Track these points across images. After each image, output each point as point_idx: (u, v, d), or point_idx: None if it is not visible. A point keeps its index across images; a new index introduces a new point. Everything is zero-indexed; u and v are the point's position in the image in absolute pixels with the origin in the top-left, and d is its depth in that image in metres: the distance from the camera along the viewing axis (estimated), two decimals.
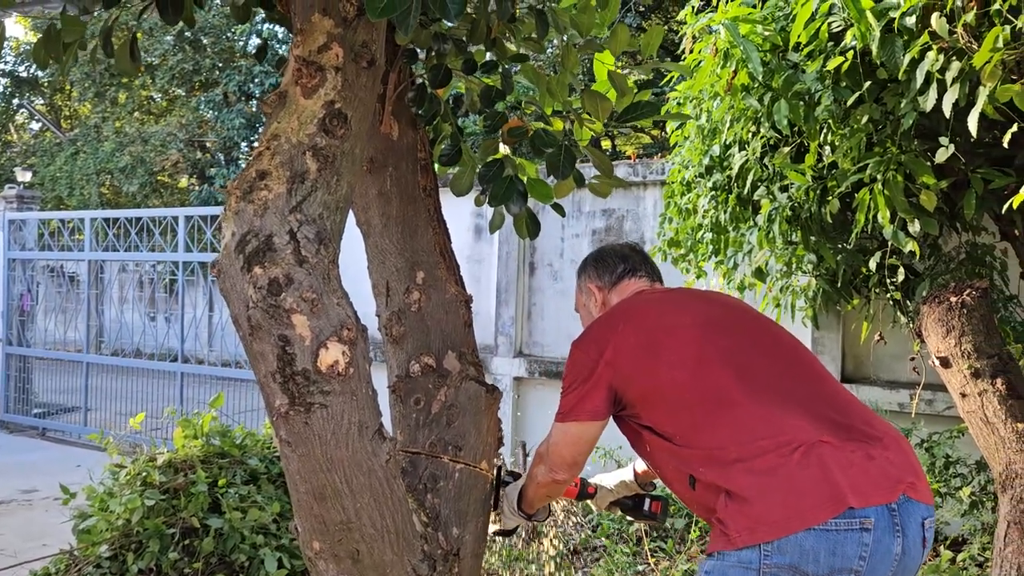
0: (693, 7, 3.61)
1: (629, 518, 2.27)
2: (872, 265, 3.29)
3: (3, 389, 8.47)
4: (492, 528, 2.06)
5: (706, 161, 3.75)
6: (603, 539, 4.06)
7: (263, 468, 3.61)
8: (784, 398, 1.64)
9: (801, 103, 3.13)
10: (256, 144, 1.98)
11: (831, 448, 1.54)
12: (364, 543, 1.60)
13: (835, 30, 2.97)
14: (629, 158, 5.71)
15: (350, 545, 1.60)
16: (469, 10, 2.01)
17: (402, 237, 2.05)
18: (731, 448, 1.58)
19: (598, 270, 2.04)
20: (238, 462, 3.58)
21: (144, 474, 3.41)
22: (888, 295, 3.72)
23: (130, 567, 3.20)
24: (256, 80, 12.98)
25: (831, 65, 2.91)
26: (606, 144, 12.72)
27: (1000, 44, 2.31)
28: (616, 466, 4.49)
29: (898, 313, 3.90)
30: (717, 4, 3.35)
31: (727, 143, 3.60)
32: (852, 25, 2.78)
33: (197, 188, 14.16)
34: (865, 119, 3.02)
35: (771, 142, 3.46)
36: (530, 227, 2.16)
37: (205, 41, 13.86)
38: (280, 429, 1.54)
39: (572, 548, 3.97)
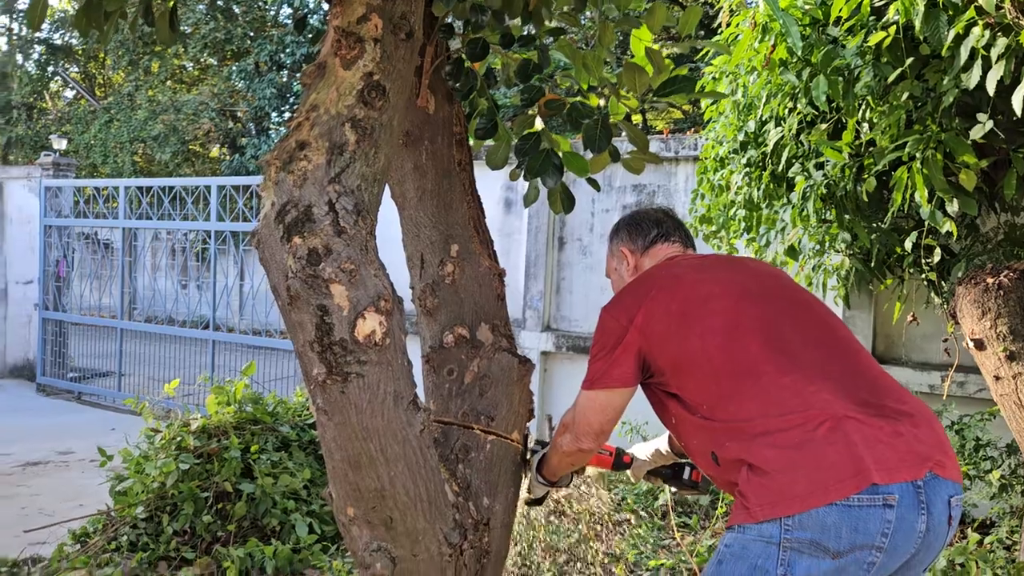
0: None
1: (671, 488, 2.23)
2: (907, 245, 3.25)
3: (40, 353, 8.66)
4: (522, 497, 2.07)
5: (741, 137, 3.71)
6: (628, 514, 4.08)
7: (294, 435, 3.67)
8: (814, 371, 1.61)
9: (840, 79, 3.08)
10: (288, 115, 1.99)
11: (858, 423, 1.52)
12: (397, 510, 1.63)
13: (877, 4, 2.91)
14: (661, 133, 5.65)
15: (383, 512, 1.63)
16: None
17: (436, 210, 2.06)
18: (757, 421, 1.57)
19: (631, 234, 2.02)
20: (270, 429, 3.65)
21: (179, 439, 3.48)
22: (923, 275, 3.67)
23: (165, 528, 3.28)
24: (287, 50, 12.99)
25: (872, 40, 2.85)
26: (637, 119, 12.59)
27: None
28: (642, 441, 4.52)
29: (932, 294, 3.85)
30: None
31: (763, 119, 3.55)
32: (895, 0, 2.72)
33: (228, 158, 14.26)
34: (905, 96, 2.96)
35: (808, 118, 3.41)
36: (564, 202, 2.16)
37: (237, 10, 13.89)
38: (317, 397, 1.57)
39: (597, 521, 4.00)
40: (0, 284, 9.30)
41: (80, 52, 16.46)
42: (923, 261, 3.38)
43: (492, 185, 6.10)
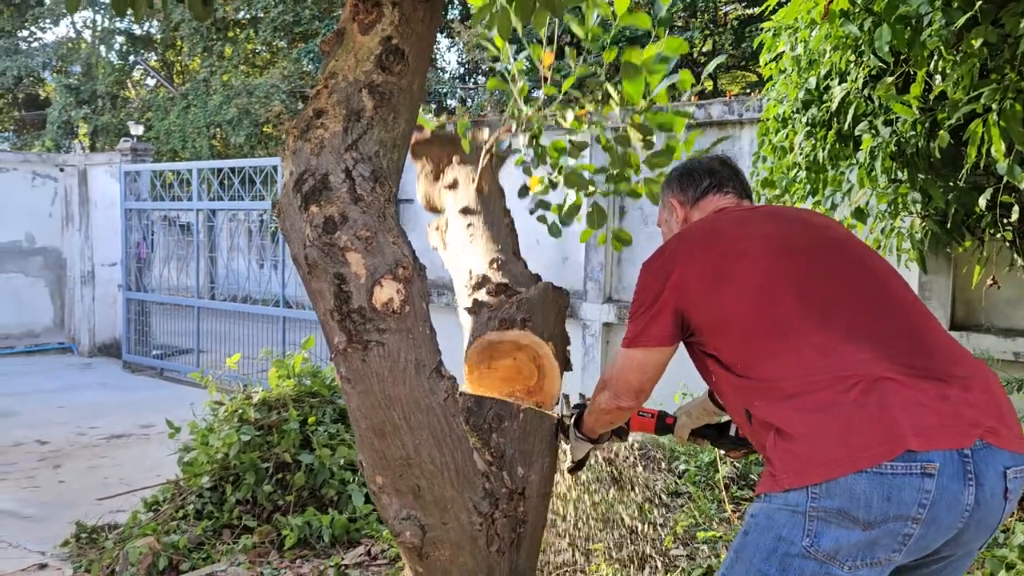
0: None
1: (721, 452, 2.14)
2: (983, 203, 3.05)
3: (125, 332, 9.05)
4: (563, 464, 2.02)
5: (802, 95, 3.53)
6: (689, 485, 4.01)
7: None
8: (854, 330, 1.51)
9: (907, 27, 2.89)
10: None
11: (897, 385, 1.41)
12: (424, 479, 1.62)
13: None
14: (727, 95, 5.47)
15: (411, 480, 1.62)
16: None
17: None
18: (787, 382, 1.49)
19: (682, 184, 1.93)
20: (328, 401, 3.70)
21: (240, 411, 3.57)
22: (1001, 235, 3.44)
23: (228, 497, 3.38)
24: None
25: None
26: (708, 84, 12.25)
27: None
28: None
29: (1015, 255, 3.61)
30: None
31: (825, 75, 3.38)
32: None
33: None
34: (979, 43, 2.76)
35: (873, 72, 3.22)
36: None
37: None
38: (340, 366, 1.56)
39: (656, 493, 3.94)
40: (87, 267, 9.74)
41: (158, 41, 17.00)
42: (1003, 220, 3.17)
43: None
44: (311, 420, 3.51)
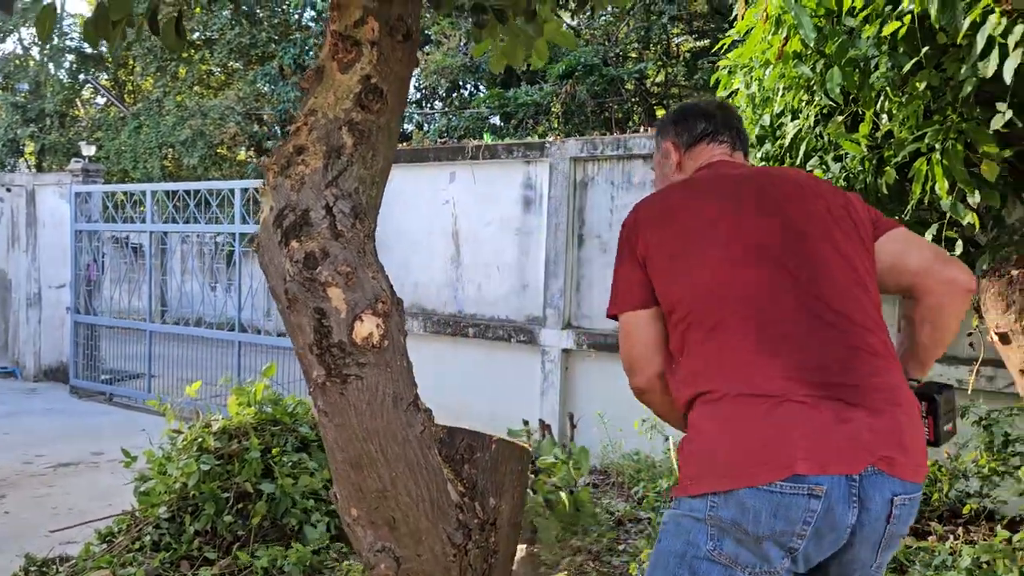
0: None
1: None
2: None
3: (73, 356, 8.82)
4: None
5: (757, 131, 3.66)
6: (648, 512, 4.06)
7: (313, 435, 3.70)
8: (785, 342, 1.51)
9: (856, 70, 3.04)
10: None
11: (801, 407, 1.44)
12: (400, 511, 1.64)
13: None
14: None
15: (386, 512, 1.64)
16: None
17: None
18: (704, 383, 1.52)
19: (677, 127, 1.86)
20: (290, 429, 3.68)
21: (200, 440, 3.53)
22: None
23: (187, 528, 3.33)
24: (311, 53, 13.10)
25: (888, 30, 2.81)
26: (661, 113, 12.51)
27: None
28: (663, 438, 4.49)
29: None
30: None
31: (778, 112, 3.51)
32: None
33: (254, 160, 14.43)
34: (923, 86, 2.91)
35: (824, 111, 3.36)
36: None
37: (261, 14, 14.03)
38: (318, 399, 1.58)
39: (616, 520, 3.99)
40: (34, 288, 9.50)
41: (110, 60, 16.74)
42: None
43: (511, 184, 6.11)
44: (275, 452, 3.48)
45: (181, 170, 14.66)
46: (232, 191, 7.34)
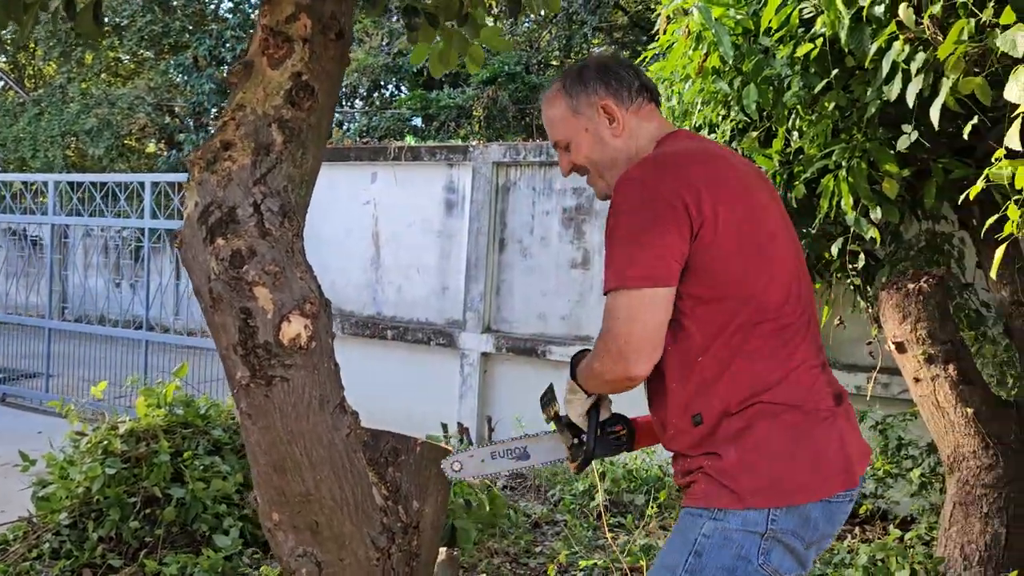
0: None
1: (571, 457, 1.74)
2: (834, 251, 3.35)
3: None
4: (567, 463, 1.72)
5: None
6: (564, 514, 4.12)
7: (227, 438, 3.61)
8: (814, 351, 1.51)
9: (770, 88, 3.16)
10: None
11: (843, 418, 1.49)
12: (323, 515, 1.62)
13: (806, 16, 2.99)
14: None
15: (309, 517, 1.62)
16: None
17: None
18: (773, 391, 1.42)
19: (607, 82, 1.58)
20: (202, 432, 3.57)
21: (105, 443, 3.39)
22: (848, 280, 3.79)
23: (90, 535, 3.19)
24: (227, 45, 12.74)
25: (801, 51, 2.93)
26: None
27: (964, 37, 2.35)
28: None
29: (858, 298, 3.98)
30: None
31: (697, 126, 3.62)
32: (822, 12, 2.80)
33: (165, 154, 13.93)
34: (832, 106, 3.06)
35: (740, 126, 3.49)
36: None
37: (175, 3, 13.57)
38: (241, 401, 1.55)
39: (533, 522, 4.03)
40: None
41: (9, 42, 15.87)
42: (849, 266, 3.49)
43: (433, 187, 6.10)
44: (186, 454, 3.37)
45: (85, 161, 14.02)
46: (142, 184, 7.07)
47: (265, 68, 1.65)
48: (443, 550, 2.81)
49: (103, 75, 14.81)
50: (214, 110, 13.12)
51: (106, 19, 13.91)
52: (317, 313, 1.54)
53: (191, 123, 13.79)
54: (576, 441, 1.67)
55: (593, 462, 1.94)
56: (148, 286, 7.20)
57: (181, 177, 6.93)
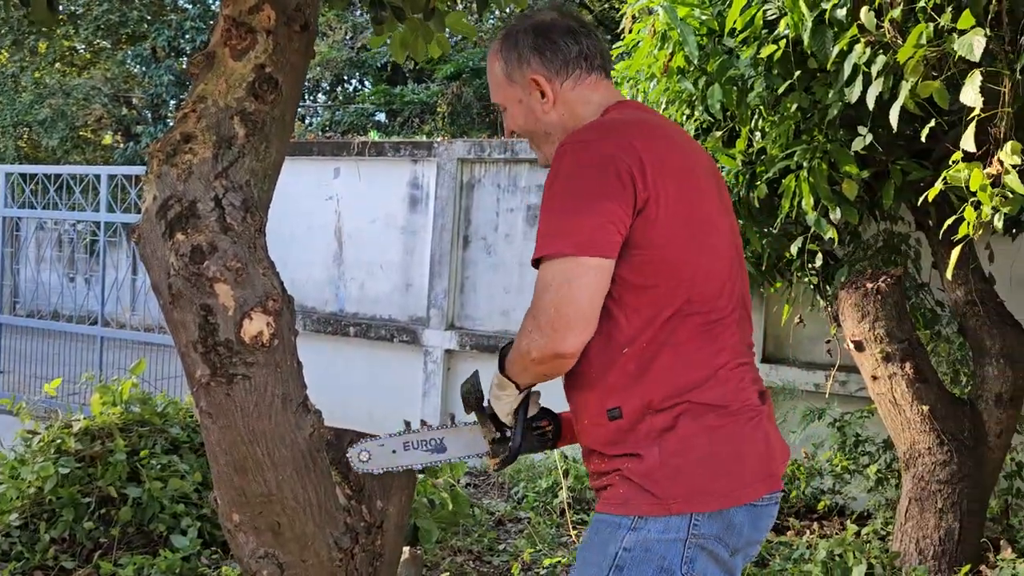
0: None
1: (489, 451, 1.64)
2: (793, 250, 3.39)
3: None
4: (487, 460, 1.64)
5: None
6: (528, 512, 4.12)
7: (185, 437, 3.54)
8: (742, 348, 1.43)
9: (734, 88, 3.19)
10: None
11: (766, 419, 1.41)
12: (285, 515, 1.60)
13: (770, 18, 3.02)
14: None
15: (271, 517, 1.59)
16: None
17: None
18: (699, 389, 1.34)
19: (541, 51, 1.46)
20: (159, 430, 3.50)
21: (59, 441, 3.30)
22: (808, 279, 3.84)
23: (42, 536, 3.11)
24: (187, 36, 12.52)
25: (764, 53, 2.96)
26: None
27: (923, 41, 2.39)
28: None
29: (817, 297, 4.03)
30: None
31: None
32: (786, 14, 2.83)
33: (122, 146, 13.64)
34: (794, 107, 3.09)
35: (704, 125, 3.51)
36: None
37: None
38: (201, 400, 1.52)
39: (497, 520, 4.02)
40: None
41: None
42: (808, 266, 3.54)
43: (397, 182, 6.05)
44: (143, 453, 3.30)
45: (39, 152, 13.67)
46: (98, 177, 6.91)
47: (227, 59, 1.61)
48: (407, 549, 2.79)
49: (57, 64, 14.45)
50: (173, 102, 12.89)
51: (61, 7, 13.58)
52: (280, 310, 1.52)
53: (149, 115, 13.53)
54: (499, 436, 1.57)
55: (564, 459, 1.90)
56: (104, 281, 7.05)
57: (138, 170, 6.79)
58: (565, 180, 1.32)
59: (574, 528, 3.77)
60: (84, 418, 3.46)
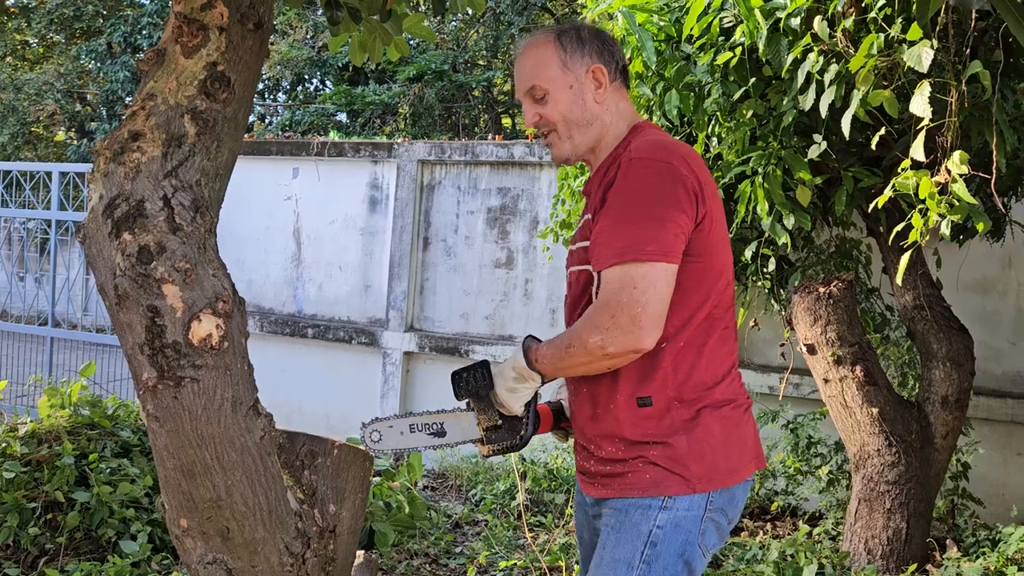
0: None
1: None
2: (748, 254, 3.44)
3: None
4: (481, 447, 1.69)
5: None
6: (485, 514, 4.11)
7: (136, 440, 3.47)
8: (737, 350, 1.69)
9: (691, 94, 3.23)
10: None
11: (751, 410, 1.65)
12: (235, 520, 1.57)
13: (726, 26, 3.06)
14: (527, 138, 5.74)
15: (220, 523, 1.57)
16: None
17: None
18: (722, 385, 1.56)
19: (600, 50, 1.61)
20: (109, 433, 3.43)
21: (4, 445, 3.22)
22: (762, 283, 3.90)
23: None
24: (144, 32, 12.28)
25: (721, 60, 3.00)
26: (506, 121, 12.74)
27: (874, 51, 2.45)
28: None
29: (771, 300, 4.10)
30: None
31: None
32: (742, 22, 2.87)
33: (75, 142, 13.34)
34: (750, 114, 3.14)
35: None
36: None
37: None
38: (147, 403, 1.49)
39: (454, 523, 4.01)
40: None
41: None
42: (762, 270, 3.60)
43: (357, 183, 6.01)
44: (92, 457, 3.23)
45: None
46: (49, 174, 6.75)
47: (178, 56, 1.58)
48: (361, 553, 2.76)
49: (8, 59, 14.08)
50: (129, 99, 12.64)
51: (12, 0, 13.24)
52: (230, 312, 1.49)
53: (104, 111, 13.25)
54: (497, 424, 1.64)
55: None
56: (54, 280, 6.88)
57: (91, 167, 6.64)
58: (644, 191, 1.48)
59: (531, 530, 3.78)
60: (31, 421, 3.37)
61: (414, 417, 1.76)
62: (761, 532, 3.88)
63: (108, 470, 3.25)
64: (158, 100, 1.56)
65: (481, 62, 12.11)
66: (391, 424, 1.76)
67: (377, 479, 3.63)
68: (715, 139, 3.37)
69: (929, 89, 2.32)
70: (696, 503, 1.52)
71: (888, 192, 2.55)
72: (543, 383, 1.60)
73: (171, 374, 1.45)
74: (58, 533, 3.09)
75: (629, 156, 1.51)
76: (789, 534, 3.79)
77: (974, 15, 2.47)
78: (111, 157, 1.50)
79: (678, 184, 1.47)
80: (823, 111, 2.68)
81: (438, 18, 11.35)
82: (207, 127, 1.57)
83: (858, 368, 3.23)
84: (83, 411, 3.48)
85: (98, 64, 12.67)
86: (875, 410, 3.24)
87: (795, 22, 2.74)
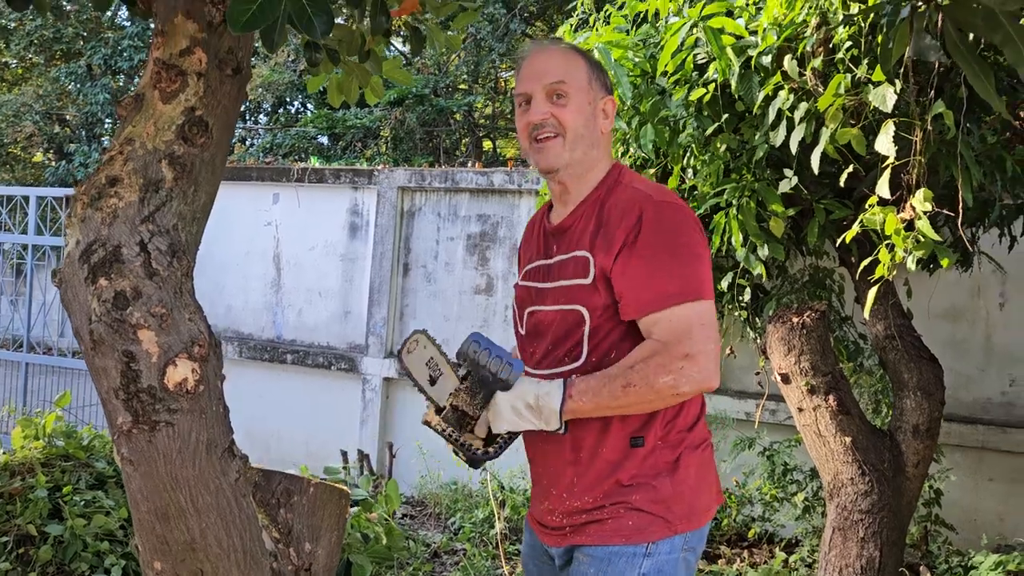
0: (572, 25, 3.71)
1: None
2: (724, 284, 3.49)
3: None
4: (432, 416, 1.67)
5: None
6: (464, 543, 4.11)
7: (111, 471, 3.45)
8: None
9: (666, 128, 3.28)
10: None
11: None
12: (209, 563, 1.58)
13: (700, 62, 3.13)
14: (506, 165, 5.79)
15: (194, 565, 1.57)
16: (341, 20, 2.01)
17: None
18: (699, 428, 1.62)
19: (610, 87, 1.71)
20: (84, 465, 3.40)
21: None
22: (739, 312, 3.95)
23: None
24: (124, 54, 12.27)
25: (695, 95, 3.06)
26: (487, 145, 12.82)
27: (842, 90, 2.51)
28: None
29: (747, 328, 4.15)
30: (595, 25, 3.46)
31: None
32: (715, 59, 2.94)
33: (54, 164, 13.25)
34: (724, 147, 3.20)
35: (638, 163, 3.60)
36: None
37: (68, 7, 12.99)
38: (122, 447, 1.49)
39: (433, 552, 4.00)
40: None
41: None
42: (738, 299, 3.65)
43: (337, 209, 6.03)
44: (66, 489, 3.20)
45: None
46: (27, 198, 6.72)
47: (156, 102, 1.61)
48: None
49: None
50: (108, 121, 12.61)
51: None
52: (206, 356, 1.51)
53: (84, 134, 13.19)
54: (466, 412, 1.60)
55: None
56: (30, 305, 6.83)
57: (70, 191, 6.61)
58: (684, 235, 1.51)
59: (508, 560, 3.78)
60: (4, 453, 3.34)
61: (441, 356, 1.70)
62: (738, 560, 3.91)
63: (82, 502, 3.23)
64: (136, 145, 1.58)
65: (462, 86, 12.20)
66: (424, 346, 1.70)
67: (355, 509, 3.62)
68: (690, 171, 3.43)
69: (894, 128, 2.38)
70: (676, 545, 1.54)
71: (856, 227, 2.60)
72: (557, 430, 1.52)
73: (146, 418, 1.46)
74: (30, 568, 3.06)
75: (652, 200, 1.52)
76: (766, 562, 3.82)
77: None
78: (88, 203, 1.52)
79: (696, 227, 1.55)
80: (793, 147, 2.74)
81: (410, 57, 11.42)
82: (184, 171, 1.59)
83: (831, 397, 3.28)
84: (57, 442, 3.46)
85: (78, 86, 12.63)
86: (848, 439, 3.28)
87: (766, 60, 2.80)
